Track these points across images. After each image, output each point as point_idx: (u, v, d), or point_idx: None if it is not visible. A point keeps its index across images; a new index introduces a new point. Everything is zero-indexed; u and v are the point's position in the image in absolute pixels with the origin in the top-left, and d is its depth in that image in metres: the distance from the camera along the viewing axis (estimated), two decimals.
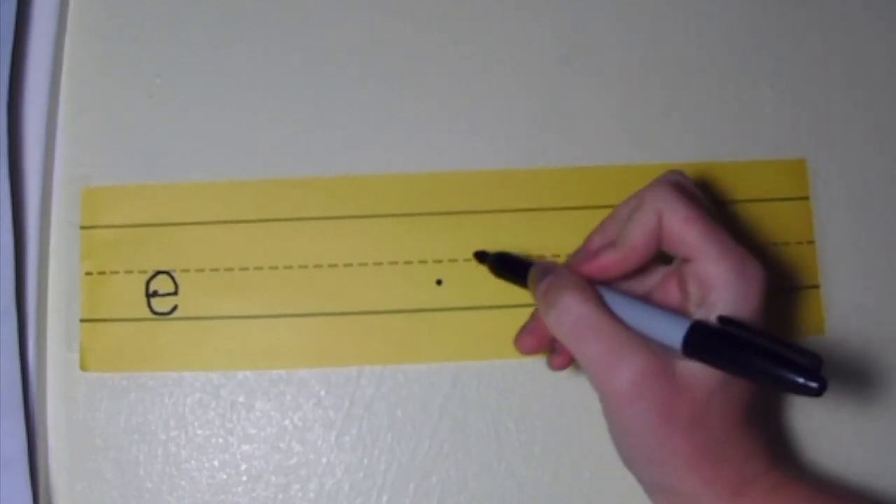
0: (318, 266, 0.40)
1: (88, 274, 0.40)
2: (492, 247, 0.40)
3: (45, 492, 0.38)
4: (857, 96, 0.43)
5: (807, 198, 0.42)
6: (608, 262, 0.33)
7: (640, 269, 0.34)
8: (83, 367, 0.39)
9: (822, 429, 0.40)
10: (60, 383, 0.39)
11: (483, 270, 0.39)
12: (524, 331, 0.36)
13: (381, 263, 0.40)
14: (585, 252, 0.35)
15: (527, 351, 0.35)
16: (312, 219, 0.40)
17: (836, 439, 0.40)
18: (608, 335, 0.32)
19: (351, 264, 0.40)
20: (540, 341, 0.35)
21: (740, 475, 0.32)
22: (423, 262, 0.40)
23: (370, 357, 0.39)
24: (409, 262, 0.40)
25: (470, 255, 0.40)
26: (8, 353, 0.37)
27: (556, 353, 0.35)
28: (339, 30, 0.42)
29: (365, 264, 0.40)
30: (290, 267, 0.40)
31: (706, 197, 0.34)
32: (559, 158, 0.41)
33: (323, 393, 0.39)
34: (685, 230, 0.32)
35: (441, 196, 0.41)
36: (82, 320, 0.39)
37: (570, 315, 0.32)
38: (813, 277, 0.41)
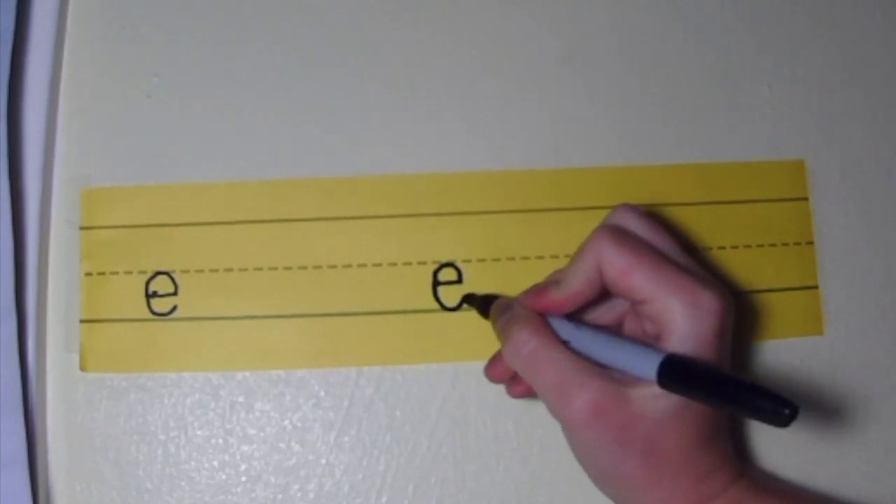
0: (317, 267, 0.40)
1: (88, 275, 0.40)
2: (490, 248, 0.40)
3: (45, 492, 0.38)
4: (857, 97, 0.43)
5: (806, 198, 0.42)
6: (552, 301, 0.34)
7: (605, 299, 0.35)
8: (83, 368, 0.39)
9: (822, 429, 0.40)
10: (60, 384, 0.39)
11: (482, 273, 0.39)
12: (492, 360, 0.37)
13: (380, 264, 0.40)
14: (536, 287, 0.36)
15: (494, 379, 0.37)
16: (312, 219, 0.40)
17: (835, 440, 0.40)
18: (560, 365, 0.33)
19: (350, 265, 0.40)
20: (506, 369, 0.36)
21: (696, 494, 0.33)
22: (423, 263, 0.40)
23: (369, 358, 0.39)
24: (408, 264, 0.40)
25: (468, 256, 0.40)
26: (8, 354, 0.37)
27: (514, 382, 0.36)
28: (338, 30, 0.42)
29: (364, 265, 0.40)
30: (289, 268, 0.40)
31: (660, 230, 0.34)
32: (558, 159, 0.41)
33: (322, 393, 0.39)
34: (626, 281, 0.33)
35: (440, 197, 0.41)
36: (82, 321, 0.39)
37: (524, 348, 0.33)
38: (812, 278, 0.41)
